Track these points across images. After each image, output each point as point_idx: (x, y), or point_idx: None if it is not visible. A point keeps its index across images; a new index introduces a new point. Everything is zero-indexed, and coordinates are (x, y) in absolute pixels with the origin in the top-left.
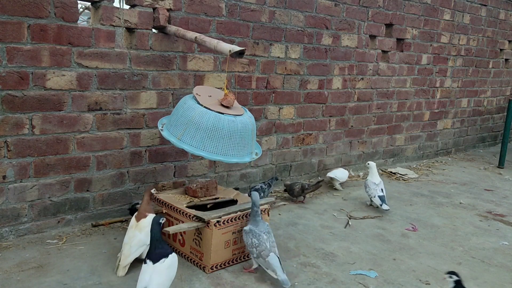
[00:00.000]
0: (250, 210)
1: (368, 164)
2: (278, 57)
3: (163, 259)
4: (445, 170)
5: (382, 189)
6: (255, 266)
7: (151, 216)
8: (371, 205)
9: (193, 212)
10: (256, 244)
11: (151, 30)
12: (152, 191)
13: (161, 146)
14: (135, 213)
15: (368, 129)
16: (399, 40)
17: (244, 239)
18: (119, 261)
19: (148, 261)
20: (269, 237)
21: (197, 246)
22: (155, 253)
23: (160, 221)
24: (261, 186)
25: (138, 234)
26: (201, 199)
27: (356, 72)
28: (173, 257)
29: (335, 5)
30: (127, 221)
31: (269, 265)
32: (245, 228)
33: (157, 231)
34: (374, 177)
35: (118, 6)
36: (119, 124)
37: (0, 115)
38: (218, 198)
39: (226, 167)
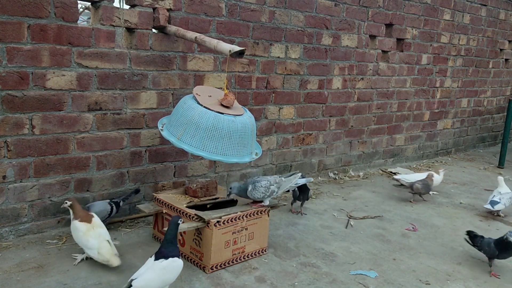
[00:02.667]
0: (250, 210)
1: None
2: (278, 57)
3: (162, 259)
4: (445, 170)
5: (500, 198)
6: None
7: (95, 217)
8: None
9: (193, 212)
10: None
11: (151, 30)
12: (66, 204)
13: (161, 146)
14: (78, 219)
15: (368, 129)
16: (399, 40)
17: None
18: (106, 255)
19: (152, 256)
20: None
21: (197, 246)
22: (160, 251)
23: (179, 222)
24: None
25: (100, 230)
26: (201, 199)
27: (356, 72)
28: (173, 261)
29: (335, 5)
30: (127, 221)
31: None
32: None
33: (172, 231)
34: (501, 188)
35: (118, 6)
36: (119, 124)
37: (0, 115)
38: (218, 198)
39: (226, 167)
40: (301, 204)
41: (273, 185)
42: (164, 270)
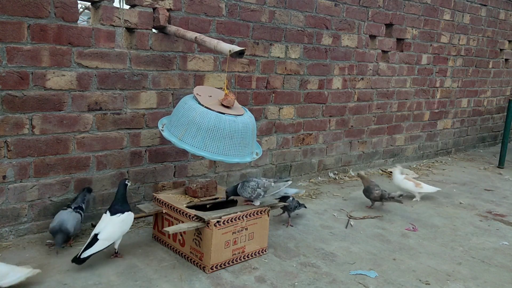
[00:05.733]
0: (250, 210)
1: None
2: (278, 57)
3: (119, 214)
4: (445, 170)
5: None
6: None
7: None
8: None
9: (193, 212)
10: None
11: (151, 30)
12: None
13: (161, 146)
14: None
15: (368, 129)
16: (399, 40)
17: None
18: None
19: (107, 212)
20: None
21: (197, 246)
22: (115, 208)
23: (126, 182)
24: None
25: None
26: (201, 199)
27: (356, 72)
28: (128, 215)
29: (335, 5)
30: None
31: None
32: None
33: (122, 191)
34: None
35: (118, 6)
36: (119, 124)
37: (0, 115)
38: (218, 198)
39: (226, 167)
40: (289, 215)
41: (260, 188)
42: (122, 222)
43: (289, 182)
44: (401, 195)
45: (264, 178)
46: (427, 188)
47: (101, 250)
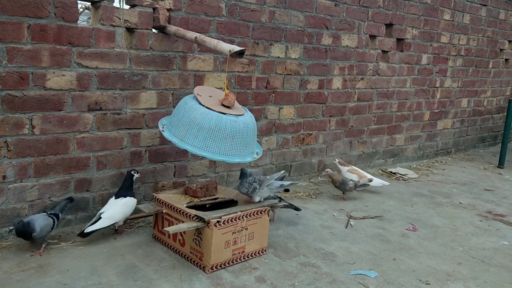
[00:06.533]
0: (250, 210)
1: None
2: (278, 57)
3: (122, 198)
4: (445, 170)
5: None
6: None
7: None
8: None
9: (193, 212)
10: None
11: (151, 30)
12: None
13: (161, 146)
14: None
15: (368, 129)
16: (399, 40)
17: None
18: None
19: (113, 197)
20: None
21: (197, 246)
22: (120, 193)
23: (133, 173)
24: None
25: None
26: (201, 199)
27: (356, 72)
28: (130, 199)
29: (335, 5)
30: (127, 221)
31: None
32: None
33: (128, 181)
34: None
35: (118, 6)
36: (119, 124)
37: (0, 115)
38: (218, 198)
39: (226, 167)
40: (273, 211)
41: (256, 182)
42: (124, 205)
43: (282, 172)
44: (370, 180)
45: (260, 175)
46: (373, 181)
47: (103, 228)
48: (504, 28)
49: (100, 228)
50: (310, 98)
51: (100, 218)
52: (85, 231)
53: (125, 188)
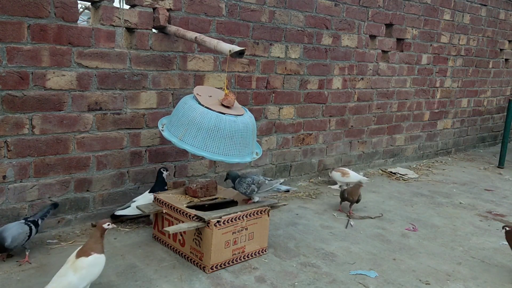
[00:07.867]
0: (250, 210)
1: None
2: (278, 57)
3: (152, 193)
4: (445, 170)
5: None
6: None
7: (95, 257)
8: None
9: (193, 212)
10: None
11: (151, 30)
12: (106, 225)
13: (161, 146)
14: (78, 249)
15: (368, 129)
16: (399, 40)
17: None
18: None
19: (148, 191)
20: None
21: (197, 246)
22: (154, 189)
23: (162, 170)
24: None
25: (70, 275)
26: (201, 199)
27: (356, 72)
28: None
29: (335, 5)
30: (127, 221)
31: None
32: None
33: (159, 177)
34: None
35: (118, 6)
36: (119, 124)
37: (0, 115)
38: (218, 198)
39: (226, 167)
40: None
41: (254, 184)
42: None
43: (282, 180)
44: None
45: (262, 176)
46: (354, 178)
47: (130, 215)
48: (504, 28)
49: (127, 215)
50: (310, 98)
51: (129, 206)
52: (114, 213)
53: (159, 184)
